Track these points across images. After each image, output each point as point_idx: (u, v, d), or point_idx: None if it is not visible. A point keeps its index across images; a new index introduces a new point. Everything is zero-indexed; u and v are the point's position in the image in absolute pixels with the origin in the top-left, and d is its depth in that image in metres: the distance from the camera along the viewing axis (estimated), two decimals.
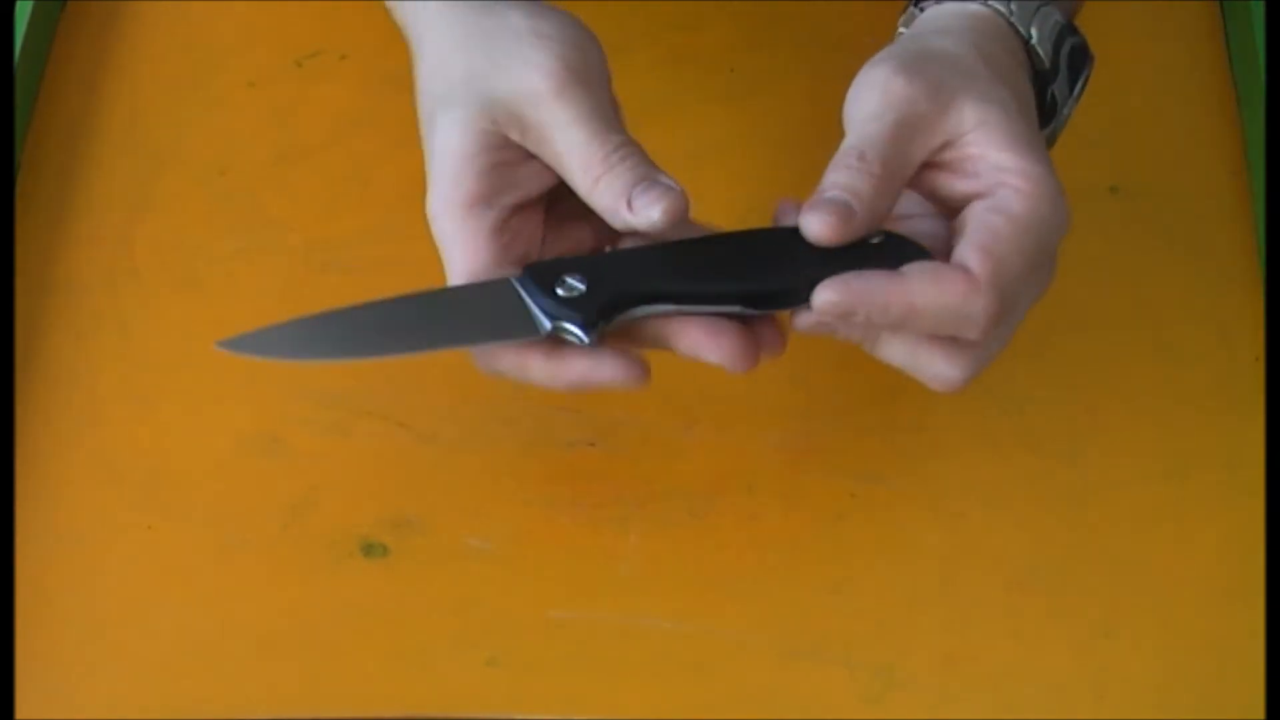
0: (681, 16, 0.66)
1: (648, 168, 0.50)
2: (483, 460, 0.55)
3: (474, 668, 0.51)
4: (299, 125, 0.63)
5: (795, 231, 0.49)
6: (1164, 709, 0.51)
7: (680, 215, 0.49)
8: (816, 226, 0.48)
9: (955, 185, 0.49)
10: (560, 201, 0.51)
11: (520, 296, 0.49)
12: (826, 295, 0.47)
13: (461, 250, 0.50)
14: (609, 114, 0.51)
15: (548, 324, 0.49)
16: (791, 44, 0.65)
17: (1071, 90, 0.53)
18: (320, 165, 0.62)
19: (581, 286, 0.48)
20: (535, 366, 0.49)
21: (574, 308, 0.48)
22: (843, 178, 0.48)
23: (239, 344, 0.50)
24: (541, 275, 0.49)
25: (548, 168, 0.51)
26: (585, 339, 0.48)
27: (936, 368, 0.49)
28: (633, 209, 0.49)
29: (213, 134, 0.63)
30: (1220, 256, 0.60)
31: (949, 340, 0.48)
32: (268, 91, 0.64)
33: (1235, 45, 0.65)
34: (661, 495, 0.54)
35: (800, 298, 0.48)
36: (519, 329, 0.49)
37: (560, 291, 0.48)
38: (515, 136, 0.50)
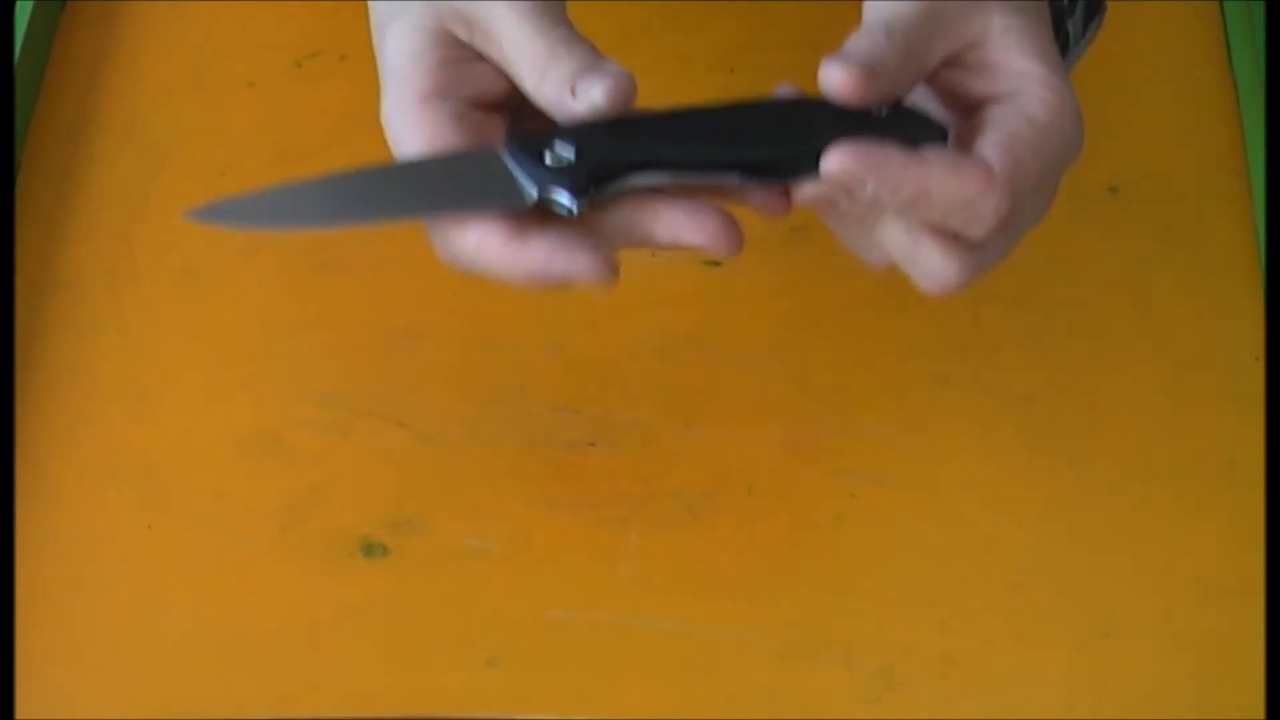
0: (681, 16, 0.66)
1: (595, 57, 0.48)
2: (483, 460, 0.55)
3: (474, 668, 0.51)
4: (299, 125, 0.63)
5: (799, 104, 0.47)
6: (1164, 709, 0.51)
7: (625, 101, 0.47)
8: (837, 77, 0.45)
9: (974, 85, 0.48)
10: (525, 122, 0.50)
11: (505, 164, 0.47)
12: (839, 160, 0.45)
13: (421, 142, 0.48)
14: (558, 13, 0.49)
15: (534, 191, 0.46)
16: (791, 44, 0.65)
17: (1084, 31, 0.52)
18: (320, 165, 0.61)
19: (570, 154, 0.46)
20: (494, 249, 0.47)
21: (563, 175, 0.46)
22: (867, 45, 0.46)
23: (209, 213, 0.48)
24: (528, 142, 0.47)
25: (502, 73, 0.49)
26: (574, 208, 0.46)
27: (934, 263, 0.47)
28: (575, 94, 0.47)
29: (213, 134, 0.63)
30: (1220, 256, 0.60)
31: (950, 236, 0.47)
32: (268, 91, 0.64)
33: (1235, 45, 0.65)
34: (661, 495, 0.54)
35: (805, 168, 0.46)
36: (503, 196, 0.47)
37: (549, 159, 0.46)
38: (463, 35, 0.49)
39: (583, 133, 0.47)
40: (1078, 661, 0.52)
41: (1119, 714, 0.51)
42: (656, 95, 0.63)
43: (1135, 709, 0.51)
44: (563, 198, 0.46)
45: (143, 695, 0.51)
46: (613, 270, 0.47)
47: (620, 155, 0.47)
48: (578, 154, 0.47)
